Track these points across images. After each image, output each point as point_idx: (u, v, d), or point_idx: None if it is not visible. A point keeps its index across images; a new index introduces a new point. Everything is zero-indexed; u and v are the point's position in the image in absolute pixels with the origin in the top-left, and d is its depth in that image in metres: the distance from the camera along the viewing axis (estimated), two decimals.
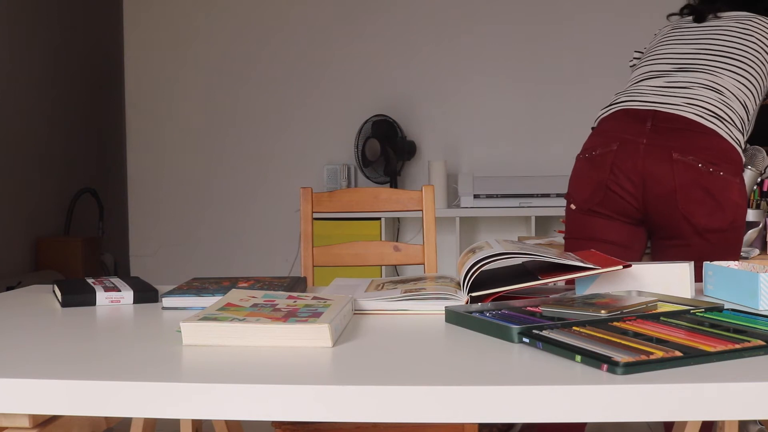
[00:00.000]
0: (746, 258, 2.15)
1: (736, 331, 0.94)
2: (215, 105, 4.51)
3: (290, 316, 0.99)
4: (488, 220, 4.34)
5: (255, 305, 1.06)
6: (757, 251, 2.20)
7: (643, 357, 0.79)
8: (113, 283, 1.39)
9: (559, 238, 2.45)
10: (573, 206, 1.87)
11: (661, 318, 1.03)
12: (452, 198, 4.25)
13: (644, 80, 1.87)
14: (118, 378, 0.79)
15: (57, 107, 3.88)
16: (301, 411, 0.75)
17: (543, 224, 4.17)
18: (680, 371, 0.78)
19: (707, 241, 1.71)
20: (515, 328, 0.94)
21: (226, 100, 4.51)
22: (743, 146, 1.77)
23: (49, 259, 3.60)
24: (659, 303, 1.13)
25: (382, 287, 1.31)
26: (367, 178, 4.27)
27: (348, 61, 4.43)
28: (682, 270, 1.24)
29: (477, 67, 4.37)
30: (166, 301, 1.24)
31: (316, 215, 2.19)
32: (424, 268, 1.94)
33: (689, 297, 1.23)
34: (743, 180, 1.74)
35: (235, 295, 1.12)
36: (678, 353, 0.82)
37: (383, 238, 3.96)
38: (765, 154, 1.92)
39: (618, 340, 0.88)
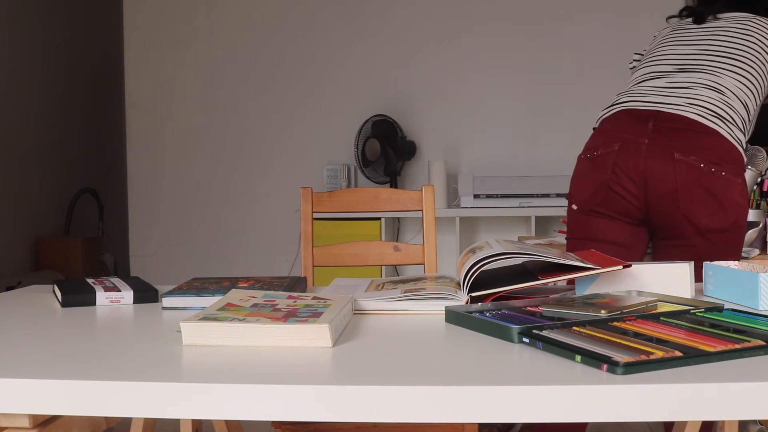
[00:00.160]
0: (746, 258, 2.15)
1: (736, 331, 0.94)
2: (215, 105, 4.51)
3: (290, 316, 0.99)
4: (488, 220, 4.34)
5: (255, 305, 1.06)
6: (757, 251, 2.20)
7: (643, 357, 0.79)
8: (113, 283, 1.39)
9: (559, 238, 2.45)
10: (574, 206, 1.87)
11: (661, 318, 1.03)
12: (452, 198, 4.25)
13: (645, 81, 1.87)
14: (118, 378, 0.79)
15: (57, 107, 3.88)
16: (301, 411, 0.75)
17: (543, 224, 4.17)
18: (680, 371, 0.78)
19: (709, 241, 1.71)
20: (515, 328, 0.94)
21: (226, 100, 4.50)
22: (745, 146, 1.76)
23: (49, 259, 3.60)
24: (659, 303, 1.13)
25: (382, 287, 1.31)
26: (367, 178, 4.27)
27: (348, 61, 4.43)
28: (682, 270, 1.24)
29: (477, 67, 4.37)
30: (166, 301, 1.24)
31: (316, 215, 2.19)
32: (424, 268, 1.94)
33: (689, 297, 1.23)
34: (745, 180, 1.74)
35: (235, 295, 1.12)
36: (678, 353, 0.82)
37: (383, 238, 3.96)
38: (765, 154, 1.92)
39: (618, 340, 0.88)
